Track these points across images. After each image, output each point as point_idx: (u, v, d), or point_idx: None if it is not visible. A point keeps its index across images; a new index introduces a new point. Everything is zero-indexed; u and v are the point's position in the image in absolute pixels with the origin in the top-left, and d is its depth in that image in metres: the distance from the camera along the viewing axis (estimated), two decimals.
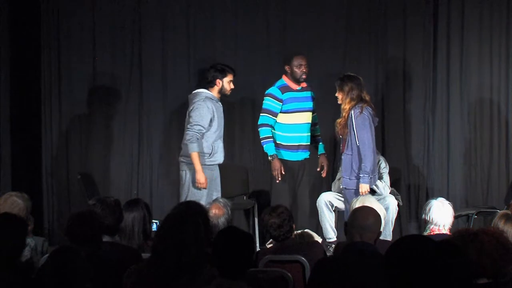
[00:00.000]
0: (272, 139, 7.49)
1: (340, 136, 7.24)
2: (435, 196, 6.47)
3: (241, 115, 8.72)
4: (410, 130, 8.56)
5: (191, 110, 7.23)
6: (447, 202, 5.76)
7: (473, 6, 8.45)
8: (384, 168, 7.99)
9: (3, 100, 8.36)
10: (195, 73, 8.65)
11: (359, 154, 7.07)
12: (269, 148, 7.49)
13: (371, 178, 7.07)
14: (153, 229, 5.24)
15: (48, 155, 8.79)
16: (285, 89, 7.52)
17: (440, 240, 3.22)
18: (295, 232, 5.61)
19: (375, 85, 8.62)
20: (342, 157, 7.23)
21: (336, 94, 7.21)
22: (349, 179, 7.12)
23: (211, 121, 7.22)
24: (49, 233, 8.56)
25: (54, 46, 8.77)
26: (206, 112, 7.18)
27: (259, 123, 7.57)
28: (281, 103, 7.52)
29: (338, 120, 7.18)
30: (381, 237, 5.26)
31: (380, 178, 7.94)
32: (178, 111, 8.47)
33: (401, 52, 8.56)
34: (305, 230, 6.08)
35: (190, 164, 7.20)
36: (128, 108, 8.80)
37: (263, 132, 7.51)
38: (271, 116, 7.51)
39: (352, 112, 7.07)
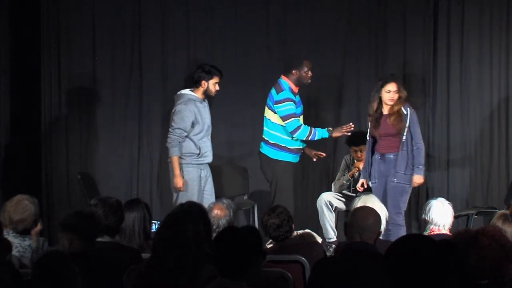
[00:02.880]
0: (312, 127, 7.43)
1: (386, 136, 7.21)
2: (435, 196, 6.48)
3: (241, 115, 8.72)
4: None
5: (173, 113, 7.26)
6: (447, 202, 5.77)
7: (473, 6, 8.45)
8: None
9: (3, 100, 8.36)
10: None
11: (412, 150, 7.14)
12: (319, 131, 7.42)
13: (405, 173, 7.17)
14: (153, 230, 5.24)
15: (48, 155, 8.80)
16: (292, 92, 7.48)
17: (439, 240, 3.22)
18: (296, 232, 5.61)
19: (375, 85, 8.61)
20: (391, 156, 7.18)
21: (393, 96, 7.15)
22: (405, 174, 7.14)
23: (193, 123, 7.23)
24: (49, 233, 8.55)
25: (54, 46, 8.77)
26: (188, 115, 7.20)
27: (293, 128, 7.36)
28: (296, 106, 7.49)
29: (392, 119, 7.12)
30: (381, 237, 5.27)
31: None
32: None
33: (401, 52, 8.56)
34: (306, 230, 6.08)
35: (180, 165, 7.24)
36: (128, 108, 8.80)
37: (304, 130, 7.39)
38: (298, 118, 7.43)
39: (408, 110, 7.13)
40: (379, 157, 7.28)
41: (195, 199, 6.99)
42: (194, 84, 7.34)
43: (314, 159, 7.83)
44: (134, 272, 4.00)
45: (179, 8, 8.75)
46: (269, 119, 7.51)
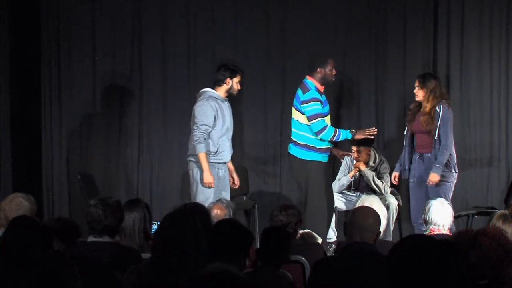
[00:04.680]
0: (337, 128, 7.43)
1: (419, 133, 7.33)
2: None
3: (241, 115, 8.72)
4: None
5: (195, 110, 7.24)
6: (447, 202, 5.78)
7: (473, 6, 8.46)
8: (385, 168, 8.01)
9: (3, 100, 8.36)
10: (195, 73, 8.65)
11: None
12: (343, 133, 7.38)
13: (444, 170, 7.23)
14: (153, 230, 5.23)
15: (48, 155, 8.80)
16: (319, 92, 7.42)
17: (440, 240, 3.22)
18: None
19: (375, 85, 8.62)
20: (428, 155, 7.28)
21: (416, 91, 7.30)
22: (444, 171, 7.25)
23: (215, 119, 7.22)
24: None
25: (54, 46, 8.77)
26: (210, 110, 7.18)
27: (319, 129, 7.29)
28: (322, 105, 7.45)
29: (423, 118, 7.24)
30: (382, 238, 5.26)
31: (380, 178, 7.96)
32: (178, 111, 8.48)
33: (401, 52, 8.56)
34: (306, 230, 6.08)
35: (198, 163, 7.21)
36: (128, 108, 8.80)
37: (329, 131, 7.32)
38: (324, 118, 7.37)
39: (441, 107, 7.21)
40: (418, 157, 7.40)
41: (211, 198, 7.00)
42: (217, 83, 7.33)
43: (342, 160, 7.91)
44: (134, 272, 4.00)
45: (179, 8, 8.75)
46: (297, 120, 7.44)
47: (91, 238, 4.68)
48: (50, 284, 3.26)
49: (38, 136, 8.81)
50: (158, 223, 4.18)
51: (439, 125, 7.19)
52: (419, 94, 7.29)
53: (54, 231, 4.35)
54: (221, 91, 7.31)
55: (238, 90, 7.39)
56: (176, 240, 3.87)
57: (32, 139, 8.77)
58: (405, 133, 7.55)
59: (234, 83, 7.33)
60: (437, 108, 7.22)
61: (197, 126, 7.16)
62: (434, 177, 7.20)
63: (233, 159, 8.65)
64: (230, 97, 7.43)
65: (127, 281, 3.99)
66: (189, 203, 5.47)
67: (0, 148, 8.32)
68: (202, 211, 5.00)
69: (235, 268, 3.75)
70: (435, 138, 7.21)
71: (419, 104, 7.37)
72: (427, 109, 7.24)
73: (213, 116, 7.19)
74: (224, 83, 7.30)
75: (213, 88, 7.32)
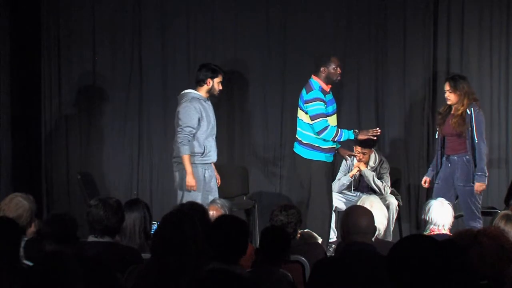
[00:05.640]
0: (339, 128, 7.38)
1: (450, 136, 7.28)
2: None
3: (241, 115, 8.72)
4: (410, 130, 8.56)
5: (179, 112, 7.25)
6: (447, 202, 5.78)
7: (473, 6, 8.46)
8: (385, 168, 8.01)
9: (3, 100, 8.36)
10: (195, 73, 8.64)
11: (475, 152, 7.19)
12: (346, 133, 7.34)
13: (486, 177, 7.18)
14: (153, 231, 5.24)
15: (48, 155, 8.80)
16: (323, 91, 7.37)
17: (442, 240, 3.22)
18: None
19: (375, 86, 8.62)
20: (455, 157, 7.25)
21: (447, 95, 7.23)
22: (470, 176, 7.19)
23: (199, 120, 7.22)
24: None
25: (54, 46, 8.77)
26: (193, 112, 7.19)
27: (320, 128, 7.24)
28: (326, 105, 7.41)
29: (454, 120, 7.18)
30: (382, 238, 5.26)
31: (380, 178, 7.95)
32: None
33: (401, 52, 8.56)
34: (306, 230, 6.09)
35: (183, 164, 7.22)
36: (128, 108, 8.80)
37: (331, 131, 7.27)
38: (326, 118, 7.31)
39: (472, 110, 7.13)
40: (445, 159, 7.35)
41: (199, 199, 6.99)
42: (198, 83, 7.34)
43: (347, 160, 7.91)
44: (134, 272, 4.00)
45: (179, 8, 8.75)
46: (302, 119, 7.41)
47: (91, 238, 4.68)
48: (51, 284, 3.26)
49: (38, 136, 8.81)
50: (158, 223, 4.19)
51: (474, 129, 7.11)
52: (451, 97, 7.19)
53: (51, 234, 4.34)
54: (202, 91, 7.32)
55: (220, 90, 7.38)
56: (175, 240, 3.88)
57: (32, 139, 8.77)
58: (436, 137, 7.50)
59: (215, 83, 7.34)
60: (467, 111, 7.13)
61: (181, 128, 7.17)
62: (479, 187, 7.16)
63: (233, 159, 8.68)
64: (214, 97, 7.42)
65: (127, 281, 4.00)
66: (187, 203, 5.48)
67: (0, 148, 8.32)
68: (200, 211, 5.01)
69: (235, 267, 3.78)
70: (468, 141, 7.15)
71: (449, 107, 7.30)
72: (460, 112, 7.16)
73: (197, 118, 7.20)
74: (205, 84, 7.31)
75: (195, 89, 7.33)
